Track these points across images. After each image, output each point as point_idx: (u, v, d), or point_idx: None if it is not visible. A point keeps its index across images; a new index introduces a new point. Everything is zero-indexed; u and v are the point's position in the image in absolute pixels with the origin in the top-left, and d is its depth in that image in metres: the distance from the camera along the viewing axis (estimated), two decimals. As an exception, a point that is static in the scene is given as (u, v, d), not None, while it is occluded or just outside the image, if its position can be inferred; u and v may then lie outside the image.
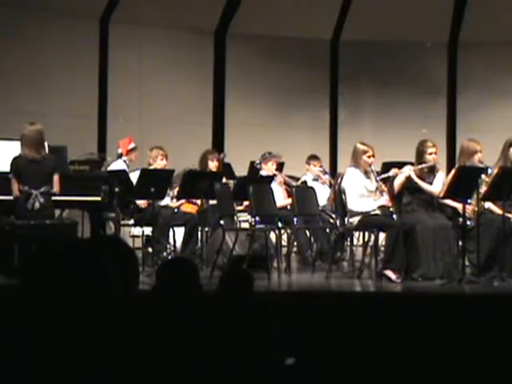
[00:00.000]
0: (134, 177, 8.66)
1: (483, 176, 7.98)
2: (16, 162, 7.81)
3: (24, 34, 11.71)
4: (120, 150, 9.62)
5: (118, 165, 9.49)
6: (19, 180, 7.74)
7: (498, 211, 8.05)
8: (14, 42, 11.61)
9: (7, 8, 11.42)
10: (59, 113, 11.56)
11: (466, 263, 7.87)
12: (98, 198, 8.61)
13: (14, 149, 8.27)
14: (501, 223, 7.85)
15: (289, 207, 9.35)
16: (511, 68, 13.52)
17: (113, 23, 12.54)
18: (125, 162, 9.51)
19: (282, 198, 9.64)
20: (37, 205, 7.73)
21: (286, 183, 10.16)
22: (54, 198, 7.92)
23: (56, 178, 7.91)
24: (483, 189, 7.89)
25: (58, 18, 11.91)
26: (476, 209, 7.94)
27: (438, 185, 8.26)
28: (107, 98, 12.50)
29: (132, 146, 9.61)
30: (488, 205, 8.17)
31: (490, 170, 8.06)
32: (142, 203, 8.90)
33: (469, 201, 7.94)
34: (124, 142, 9.65)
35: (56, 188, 7.89)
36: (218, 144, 12.85)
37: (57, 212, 8.63)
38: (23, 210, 7.72)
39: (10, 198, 7.84)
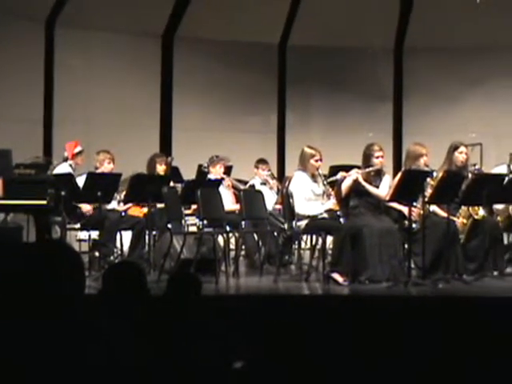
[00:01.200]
0: (81, 180, 8.59)
1: (428, 179, 8.06)
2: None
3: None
4: (66, 154, 9.54)
5: (62, 168, 9.41)
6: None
7: (443, 214, 8.14)
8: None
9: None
10: (3, 116, 11.43)
11: (412, 266, 7.93)
12: (44, 202, 8.51)
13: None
14: (445, 226, 7.94)
15: (237, 212, 9.35)
16: (456, 73, 13.69)
17: (58, 26, 12.42)
18: (70, 165, 9.43)
19: (230, 202, 9.64)
20: (-20, 209, 7.64)
21: (234, 187, 10.16)
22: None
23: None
24: (428, 192, 7.97)
25: (1, 19, 11.76)
26: (421, 212, 8.01)
27: (384, 188, 8.31)
28: (53, 102, 12.39)
29: (78, 149, 9.53)
30: (433, 208, 8.26)
31: (435, 174, 8.14)
32: (86, 210, 8.83)
33: (414, 204, 8.01)
34: (70, 145, 9.56)
35: (-1, 192, 7.81)
36: (166, 148, 12.80)
37: (1, 216, 8.52)
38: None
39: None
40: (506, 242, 8.81)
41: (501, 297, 7.38)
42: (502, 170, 9.13)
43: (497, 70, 13.63)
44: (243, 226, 9.15)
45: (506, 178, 8.51)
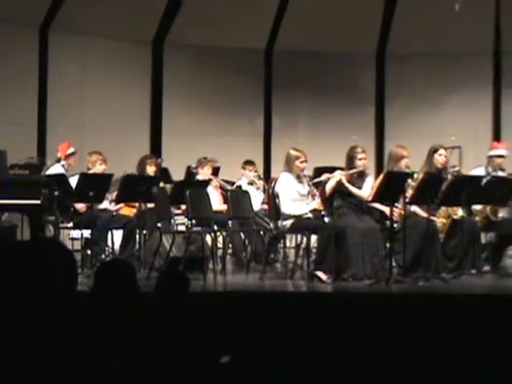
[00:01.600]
0: (74, 181, 8.57)
1: (409, 181, 8.07)
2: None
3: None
4: (59, 155, 9.51)
5: (55, 169, 9.38)
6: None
7: (423, 214, 8.16)
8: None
9: None
10: (-1, 118, 11.41)
11: (393, 264, 7.95)
12: (38, 202, 8.48)
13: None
14: (426, 226, 7.97)
15: (224, 211, 9.35)
16: (437, 78, 13.72)
17: (52, 32, 12.40)
18: (63, 166, 9.40)
19: (217, 202, 9.63)
20: (-24, 209, 7.61)
21: (221, 187, 10.16)
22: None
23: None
24: (409, 193, 7.98)
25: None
26: (402, 212, 8.03)
27: (366, 189, 8.33)
28: (47, 105, 12.36)
29: (71, 150, 9.51)
30: (414, 208, 8.28)
31: (415, 175, 8.16)
32: (80, 207, 8.82)
33: (396, 204, 8.03)
34: (63, 146, 9.54)
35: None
36: (156, 150, 12.79)
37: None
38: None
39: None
40: (483, 241, 8.82)
41: (479, 294, 7.41)
42: (480, 171, 9.16)
43: (475, 75, 13.68)
44: (230, 226, 9.15)
45: (484, 180, 8.54)
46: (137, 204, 8.88)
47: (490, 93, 13.85)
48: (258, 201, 9.90)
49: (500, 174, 9.13)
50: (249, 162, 10.76)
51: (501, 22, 13.52)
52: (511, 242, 9.27)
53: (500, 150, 9.36)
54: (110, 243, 9.11)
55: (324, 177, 8.38)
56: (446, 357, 5.01)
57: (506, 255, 9.17)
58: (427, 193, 7.98)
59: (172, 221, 8.83)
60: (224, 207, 9.42)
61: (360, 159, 8.38)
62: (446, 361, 4.92)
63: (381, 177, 8.16)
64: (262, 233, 9.26)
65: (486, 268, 8.60)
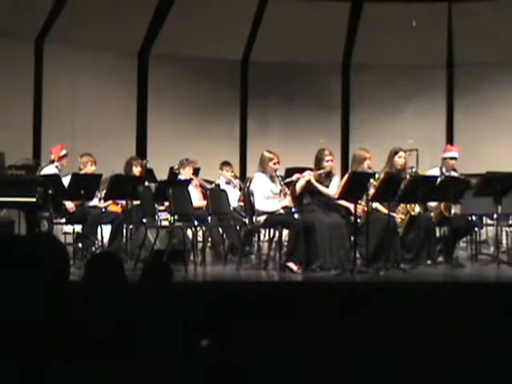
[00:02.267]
0: (66, 180, 8.53)
1: (372, 180, 8.10)
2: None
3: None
4: (52, 156, 9.46)
5: (49, 169, 9.33)
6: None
7: (384, 210, 8.19)
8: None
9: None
10: (-2, 123, 11.34)
11: (357, 255, 7.97)
12: (33, 199, 8.42)
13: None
14: (386, 221, 8.00)
15: (204, 208, 9.33)
16: (396, 88, 13.79)
17: (47, 44, 12.35)
18: (56, 167, 9.34)
19: (197, 199, 9.61)
20: (-24, 206, 7.55)
21: (201, 186, 10.14)
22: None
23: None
24: (372, 191, 8.01)
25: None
26: (365, 208, 8.06)
27: (333, 188, 8.35)
28: (42, 112, 12.31)
29: (63, 152, 9.45)
30: (375, 205, 8.31)
31: (377, 175, 8.18)
32: (70, 207, 8.76)
33: (359, 201, 8.05)
34: (56, 149, 9.48)
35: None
36: (141, 152, 12.77)
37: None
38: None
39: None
40: (438, 234, 8.87)
41: (433, 282, 7.45)
42: (435, 172, 9.21)
43: (430, 86, 13.77)
44: (209, 221, 9.13)
45: (439, 180, 8.58)
46: (124, 201, 8.84)
47: (444, 101, 13.94)
48: (234, 198, 9.89)
49: (453, 174, 9.18)
50: (226, 163, 10.75)
51: (453, 38, 13.65)
52: (462, 235, 9.34)
53: (453, 153, 9.42)
54: (99, 237, 9.07)
55: (295, 177, 8.38)
56: (403, 338, 5.03)
57: (457, 247, 9.23)
58: (388, 191, 8.01)
59: (156, 216, 8.80)
60: (203, 203, 9.41)
61: (327, 161, 8.39)
62: (404, 342, 4.94)
63: (346, 177, 8.18)
64: (238, 227, 9.25)
65: (440, 259, 8.65)
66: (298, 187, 8.29)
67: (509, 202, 8.60)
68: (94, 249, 8.86)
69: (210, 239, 9.77)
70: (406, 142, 11.46)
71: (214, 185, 10.38)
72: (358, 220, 8.02)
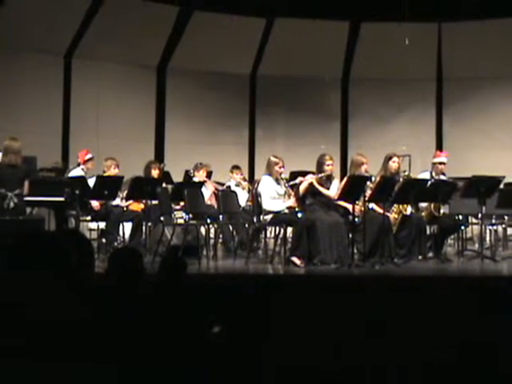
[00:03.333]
0: (91, 182, 8.53)
1: (368, 183, 8.07)
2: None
3: (2, 67, 11.55)
4: (79, 160, 9.47)
5: (76, 172, 9.35)
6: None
7: (380, 210, 8.16)
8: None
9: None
10: (30, 130, 11.34)
11: (355, 251, 7.95)
12: (62, 199, 8.45)
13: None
14: (381, 220, 7.97)
15: (215, 207, 9.32)
16: (391, 99, 13.78)
17: (75, 58, 12.42)
18: (82, 169, 9.36)
19: (208, 200, 9.60)
20: (11, 204, 7.56)
21: (216, 189, 10.11)
22: (25, 198, 7.76)
23: (26, 183, 7.76)
24: (368, 193, 7.99)
25: (29, 54, 11.73)
26: (362, 208, 8.03)
27: (333, 190, 8.32)
28: (70, 120, 12.36)
29: (89, 156, 9.46)
30: (372, 205, 8.28)
31: (373, 178, 8.16)
32: (95, 206, 8.77)
33: (357, 202, 8.03)
34: (82, 153, 9.49)
35: (26, 191, 7.74)
36: (160, 156, 12.78)
37: (28, 210, 8.45)
38: (0, 209, 7.53)
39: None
40: (428, 232, 8.84)
41: (424, 275, 7.42)
42: (425, 175, 9.18)
43: (421, 97, 13.77)
44: (221, 219, 9.13)
45: (429, 182, 8.55)
46: (143, 201, 8.84)
47: (434, 111, 13.91)
48: (243, 199, 9.88)
49: (442, 177, 9.15)
50: (236, 167, 10.74)
51: (442, 54, 13.63)
52: (450, 233, 9.31)
53: (442, 158, 9.39)
54: (121, 233, 9.07)
55: (298, 179, 8.37)
56: (397, 326, 5.01)
57: (445, 244, 9.20)
58: (383, 193, 7.98)
59: (172, 215, 8.79)
60: (212, 202, 9.43)
61: (328, 165, 8.37)
62: (398, 330, 4.92)
63: (345, 180, 8.15)
64: (246, 225, 9.24)
65: (430, 254, 8.62)
66: (301, 189, 8.28)
67: (492, 203, 8.58)
68: (116, 244, 8.86)
69: (221, 236, 9.76)
70: (400, 149, 11.42)
71: (225, 186, 10.37)
72: (356, 219, 8.00)
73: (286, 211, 8.21)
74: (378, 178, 8.13)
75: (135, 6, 12.30)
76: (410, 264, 8.06)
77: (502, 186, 8.84)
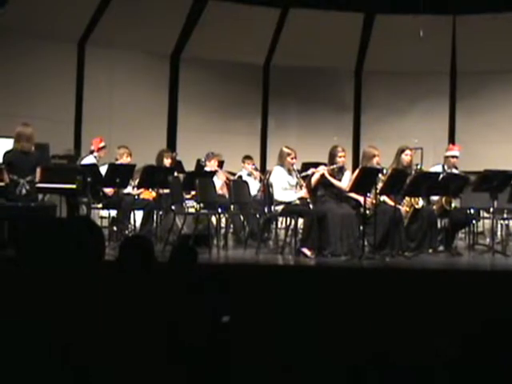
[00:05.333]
0: (103, 170, 8.54)
1: (380, 175, 8.05)
2: (9, 155, 7.66)
3: (17, 54, 11.57)
4: (92, 147, 9.48)
5: (89, 159, 9.36)
6: (9, 170, 7.60)
7: (391, 203, 8.14)
8: (7, 62, 11.47)
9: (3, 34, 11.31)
10: (43, 116, 11.36)
11: (365, 243, 7.93)
12: (74, 186, 8.46)
13: (4, 145, 8.10)
14: (393, 212, 7.95)
15: (227, 196, 9.32)
16: (404, 92, 13.73)
17: (88, 45, 12.42)
18: (95, 157, 9.36)
19: (219, 189, 9.59)
20: (23, 191, 7.58)
21: (227, 179, 10.10)
22: (37, 185, 7.79)
23: (39, 169, 7.77)
24: (380, 185, 7.96)
25: (43, 41, 11.74)
26: (374, 201, 8.01)
27: (345, 181, 8.30)
28: (82, 107, 12.38)
29: (102, 144, 9.46)
30: (383, 198, 8.25)
31: (385, 171, 8.13)
32: (108, 191, 8.79)
33: (368, 194, 8.00)
34: (96, 141, 9.50)
35: (38, 178, 7.76)
36: (172, 145, 12.78)
37: (40, 196, 8.47)
38: (12, 195, 7.56)
39: (2, 184, 7.70)
40: (439, 226, 8.81)
41: (435, 269, 7.40)
42: (437, 169, 9.14)
43: (434, 90, 13.71)
44: (232, 209, 9.12)
45: (441, 176, 8.52)
46: (155, 189, 8.84)
47: (447, 105, 13.84)
48: (255, 189, 9.87)
49: (454, 171, 9.11)
50: (248, 157, 10.73)
51: (456, 47, 13.55)
52: (461, 227, 9.27)
53: (454, 152, 9.34)
54: (132, 221, 9.09)
55: (310, 171, 8.34)
56: (406, 318, 5.00)
57: (456, 238, 9.17)
58: (394, 185, 7.96)
59: (184, 204, 8.80)
60: (224, 192, 9.42)
61: (340, 157, 8.34)
62: (407, 323, 4.90)
63: (357, 171, 8.12)
64: (257, 215, 9.23)
65: (441, 248, 8.59)
66: (313, 180, 8.25)
67: (504, 197, 8.54)
68: (127, 232, 8.87)
69: (232, 226, 9.76)
70: (412, 141, 11.39)
71: (236, 176, 10.36)
72: (367, 211, 7.98)
73: (298, 202, 8.19)
74: (389, 171, 8.10)
75: (150, -5, 12.31)
76: (420, 257, 8.04)
77: (514, 180, 8.78)
